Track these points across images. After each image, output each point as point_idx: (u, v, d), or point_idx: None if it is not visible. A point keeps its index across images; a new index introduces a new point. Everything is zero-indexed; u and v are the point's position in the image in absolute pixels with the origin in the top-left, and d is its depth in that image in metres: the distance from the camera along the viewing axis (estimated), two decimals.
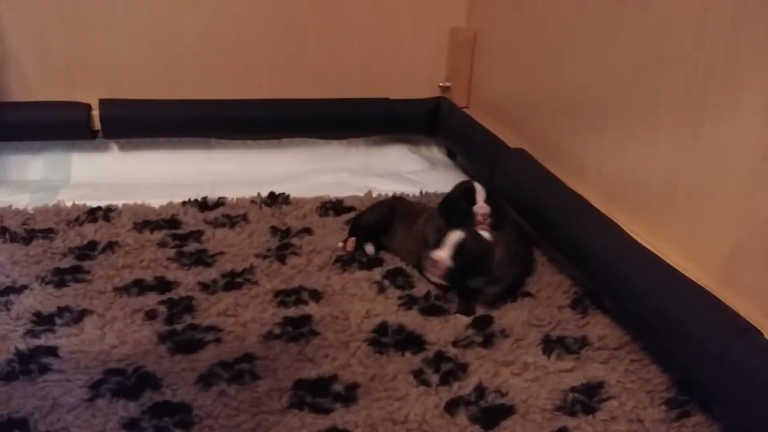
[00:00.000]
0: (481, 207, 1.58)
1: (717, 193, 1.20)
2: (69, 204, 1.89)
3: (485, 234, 1.49)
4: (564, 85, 1.72)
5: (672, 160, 1.32)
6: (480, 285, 1.46)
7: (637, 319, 1.29)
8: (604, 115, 1.54)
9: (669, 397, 1.19)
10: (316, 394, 1.17)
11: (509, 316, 1.43)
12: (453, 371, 1.25)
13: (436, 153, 2.54)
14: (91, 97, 2.15)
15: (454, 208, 1.60)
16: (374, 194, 2.05)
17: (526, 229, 1.70)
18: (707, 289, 1.17)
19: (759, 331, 1.06)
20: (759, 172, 1.10)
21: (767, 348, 1.02)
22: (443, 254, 1.41)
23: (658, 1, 1.33)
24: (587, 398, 1.19)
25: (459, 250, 1.41)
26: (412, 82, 2.40)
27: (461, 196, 1.62)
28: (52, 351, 1.26)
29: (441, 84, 2.41)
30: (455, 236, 1.43)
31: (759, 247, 1.11)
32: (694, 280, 1.20)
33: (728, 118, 1.16)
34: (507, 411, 1.15)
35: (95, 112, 2.15)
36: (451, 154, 2.49)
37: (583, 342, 1.34)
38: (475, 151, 2.15)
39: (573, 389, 1.21)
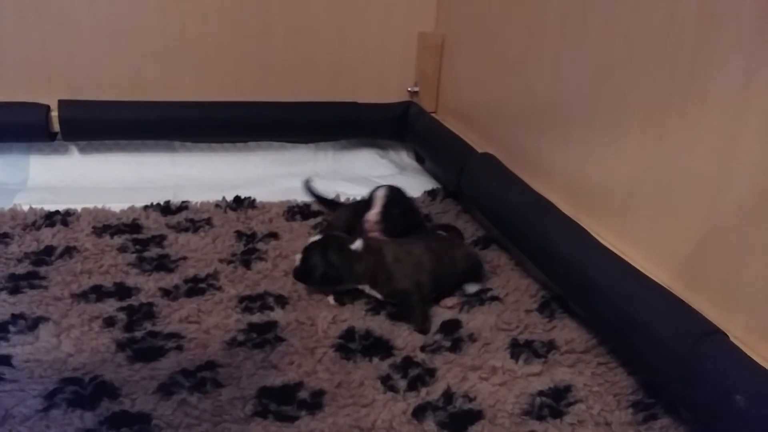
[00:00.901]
0: (371, 215, 1.58)
1: (681, 197, 1.21)
2: (26, 208, 1.83)
3: (356, 244, 1.45)
4: (531, 90, 1.73)
5: (637, 164, 1.33)
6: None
7: (604, 322, 1.29)
8: (571, 120, 1.55)
9: (636, 400, 1.20)
10: (281, 401, 1.15)
11: (477, 320, 1.42)
12: (421, 376, 1.24)
13: (405, 157, 2.53)
14: (50, 97, 2.09)
15: (349, 211, 1.71)
16: (342, 199, 2.04)
17: (492, 233, 1.69)
18: (672, 291, 1.18)
19: (723, 333, 1.07)
20: (721, 176, 1.11)
21: (732, 350, 1.03)
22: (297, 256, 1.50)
23: (623, 8, 1.34)
24: (555, 402, 1.18)
25: (311, 252, 1.46)
26: (381, 86, 2.39)
27: (360, 203, 1.66)
28: (6, 360, 1.21)
29: (409, 89, 2.41)
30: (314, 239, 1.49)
31: (722, 250, 1.12)
32: (659, 282, 1.21)
33: (691, 123, 1.18)
34: (475, 416, 1.14)
35: (54, 114, 2.09)
36: (419, 159, 2.49)
37: (551, 346, 1.34)
38: (443, 156, 2.15)
39: (541, 393, 1.20)
